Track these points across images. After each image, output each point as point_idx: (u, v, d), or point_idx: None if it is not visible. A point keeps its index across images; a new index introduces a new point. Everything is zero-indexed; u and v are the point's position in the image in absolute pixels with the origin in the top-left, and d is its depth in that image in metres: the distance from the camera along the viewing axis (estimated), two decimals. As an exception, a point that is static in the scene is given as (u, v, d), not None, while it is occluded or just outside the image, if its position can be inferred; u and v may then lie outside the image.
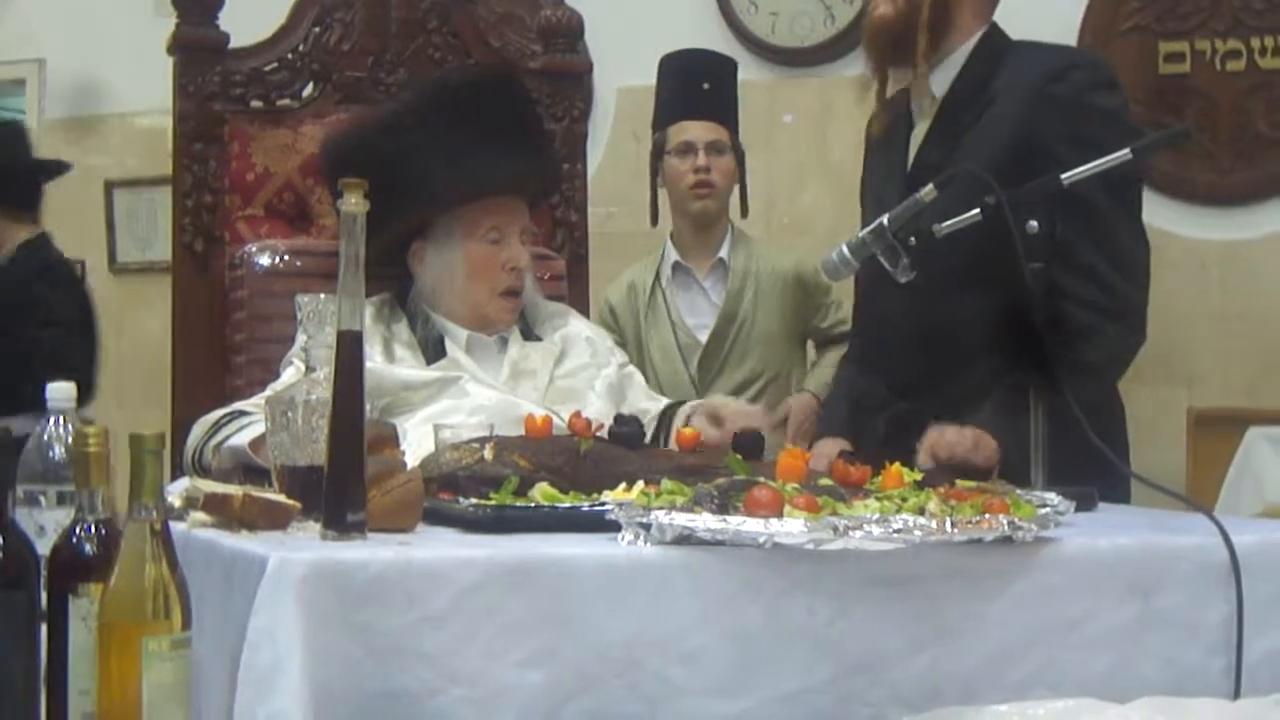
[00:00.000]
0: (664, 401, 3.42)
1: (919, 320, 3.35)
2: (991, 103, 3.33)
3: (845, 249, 3.06)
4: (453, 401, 3.13)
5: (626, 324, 4.70)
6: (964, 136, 3.31)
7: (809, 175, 5.50)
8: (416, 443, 2.81)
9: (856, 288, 3.66)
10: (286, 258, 3.47)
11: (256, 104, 3.61)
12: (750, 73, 5.77)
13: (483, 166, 3.25)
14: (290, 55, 3.64)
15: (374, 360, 3.14)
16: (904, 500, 2.29)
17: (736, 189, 4.72)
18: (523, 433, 2.64)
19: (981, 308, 3.19)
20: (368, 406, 2.21)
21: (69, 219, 7.45)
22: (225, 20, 3.57)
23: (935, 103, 3.39)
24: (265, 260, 3.47)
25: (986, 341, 3.17)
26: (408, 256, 3.31)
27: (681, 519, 2.14)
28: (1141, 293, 3.26)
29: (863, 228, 3.45)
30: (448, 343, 3.27)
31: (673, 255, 4.69)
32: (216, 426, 3.01)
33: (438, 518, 2.36)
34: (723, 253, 4.63)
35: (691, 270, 4.66)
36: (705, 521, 2.13)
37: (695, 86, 4.65)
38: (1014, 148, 3.22)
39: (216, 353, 3.51)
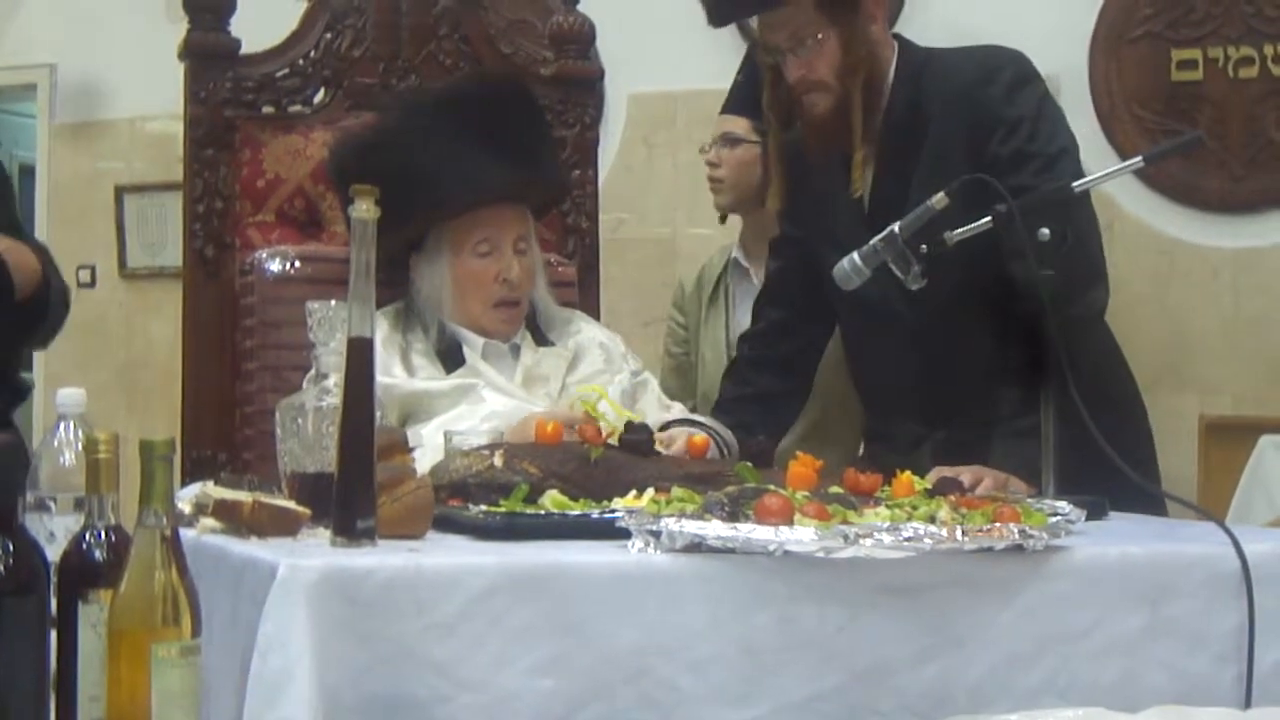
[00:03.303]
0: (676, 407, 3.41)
1: (921, 357, 3.37)
2: (928, 124, 3.35)
3: (857, 257, 3.06)
4: (469, 407, 3.13)
5: (691, 310, 4.61)
6: (915, 166, 3.32)
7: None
8: (432, 445, 2.81)
9: (844, 341, 3.69)
10: (297, 264, 3.46)
11: (268, 110, 3.60)
12: (761, 80, 5.75)
13: (462, 180, 3.22)
14: (301, 61, 3.63)
15: (394, 374, 3.14)
16: (914, 508, 2.29)
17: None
18: (533, 439, 2.64)
19: (982, 332, 3.20)
20: (378, 414, 2.21)
21: (79, 224, 7.48)
22: (236, 26, 3.56)
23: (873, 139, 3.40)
24: (276, 266, 3.46)
25: (994, 365, 3.18)
26: (409, 268, 3.31)
27: (691, 527, 2.14)
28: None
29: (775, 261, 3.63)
30: (466, 350, 3.26)
31: (735, 253, 4.57)
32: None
33: (447, 525, 2.36)
34: None
35: (749, 271, 4.51)
36: (715, 529, 2.13)
37: (735, 82, 4.57)
38: (972, 163, 3.24)
39: (227, 359, 3.50)
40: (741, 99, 4.50)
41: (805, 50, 3.35)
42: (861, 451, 3.85)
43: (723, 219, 4.67)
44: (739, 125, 4.49)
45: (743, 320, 4.42)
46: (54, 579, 2.07)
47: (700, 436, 2.84)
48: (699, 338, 4.56)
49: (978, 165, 3.20)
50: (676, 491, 2.31)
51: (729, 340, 4.48)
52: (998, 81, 3.33)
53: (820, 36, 3.34)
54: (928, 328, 3.35)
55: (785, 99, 3.45)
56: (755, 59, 4.56)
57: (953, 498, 2.39)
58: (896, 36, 3.47)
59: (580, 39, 3.84)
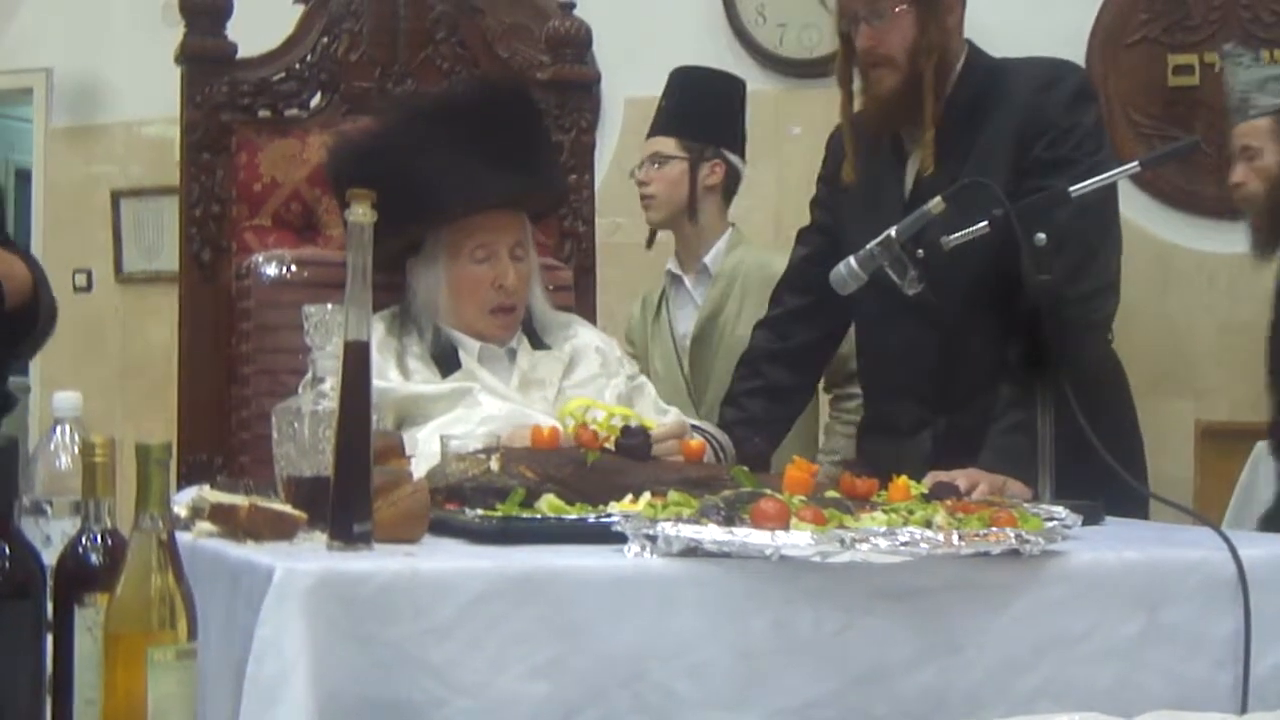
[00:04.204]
0: (672, 411, 3.42)
1: (935, 341, 3.37)
2: (984, 124, 3.35)
3: (853, 261, 3.06)
4: (465, 411, 3.12)
5: (638, 336, 4.76)
6: (965, 160, 3.32)
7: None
8: (428, 452, 2.80)
9: (858, 322, 3.68)
10: (293, 268, 3.46)
11: (264, 114, 3.60)
12: (758, 84, 5.76)
13: (459, 187, 3.21)
14: (298, 65, 3.63)
15: (389, 377, 3.14)
16: (911, 513, 2.29)
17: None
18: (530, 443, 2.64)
19: (997, 323, 3.20)
20: (375, 418, 2.21)
21: (75, 228, 7.48)
22: (233, 30, 3.56)
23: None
24: (272, 270, 3.46)
25: (999, 358, 3.18)
26: (405, 272, 3.31)
27: (688, 531, 2.14)
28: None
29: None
30: (461, 354, 3.26)
31: (670, 264, 4.74)
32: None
33: (444, 529, 2.36)
34: (709, 257, 4.62)
35: (683, 279, 4.69)
36: (711, 533, 2.13)
37: (660, 105, 4.73)
38: (1015, 165, 3.25)
39: (223, 363, 3.50)
40: (667, 121, 4.69)
41: (881, 20, 3.36)
42: (857, 446, 3.85)
43: (650, 241, 4.83)
44: (666, 145, 4.66)
45: (683, 326, 4.66)
46: (50, 583, 2.07)
47: (696, 440, 2.83)
48: (650, 356, 4.69)
49: (1020, 168, 3.22)
50: (673, 495, 2.31)
51: (676, 346, 4.65)
52: (1060, 89, 3.35)
53: (899, 10, 3.34)
54: (949, 312, 3.34)
55: (853, 71, 3.47)
56: (679, 82, 4.66)
57: (949, 502, 2.39)
58: (968, 40, 3.48)
59: (577, 43, 3.84)
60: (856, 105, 3.53)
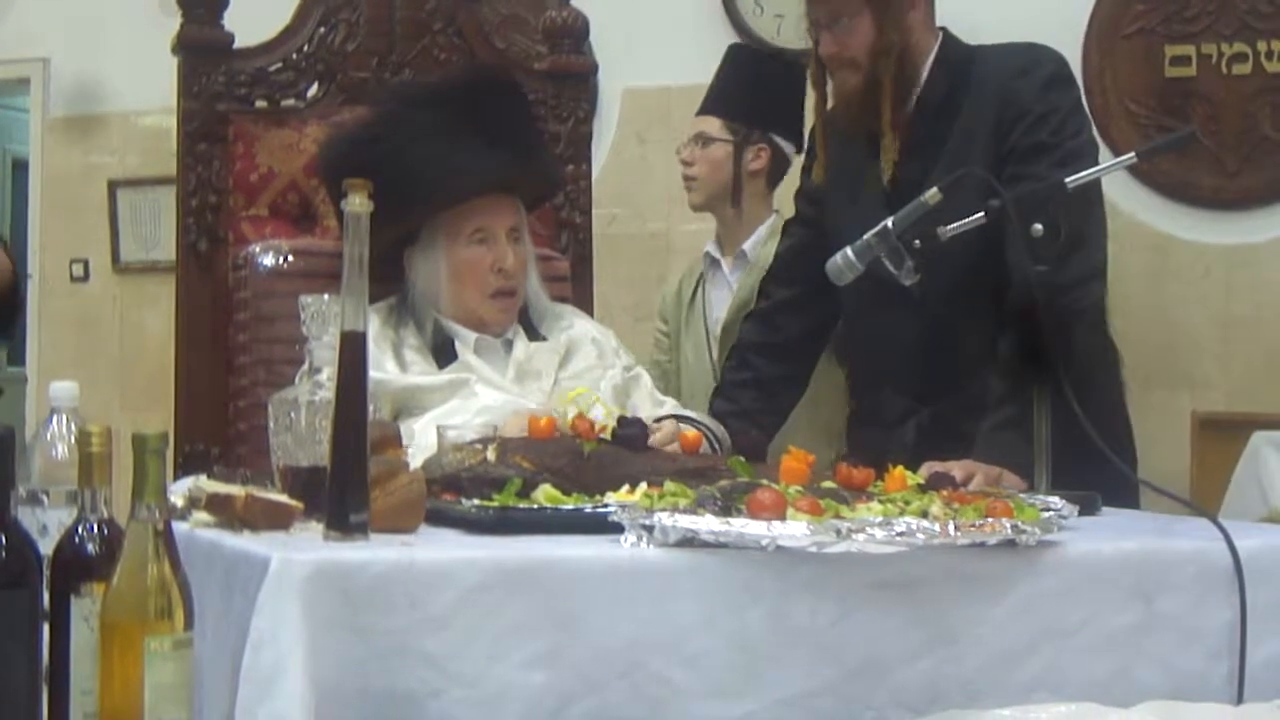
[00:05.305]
0: (669, 403, 3.42)
1: (921, 332, 3.37)
2: (960, 110, 3.36)
3: (850, 252, 3.06)
4: (461, 402, 3.13)
5: (671, 317, 4.72)
6: (941, 149, 3.33)
7: (813, 176, 5.49)
8: (424, 444, 2.80)
9: (844, 313, 3.68)
10: (290, 258, 3.46)
11: (261, 104, 3.61)
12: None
13: (454, 171, 3.22)
14: (295, 55, 3.63)
15: (385, 368, 3.14)
16: (907, 503, 2.29)
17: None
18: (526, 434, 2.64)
19: (983, 314, 3.20)
20: (371, 408, 2.21)
21: (72, 218, 7.48)
22: (230, 20, 3.56)
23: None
24: (269, 261, 3.46)
25: (991, 348, 3.18)
26: (402, 262, 3.31)
27: (684, 521, 2.14)
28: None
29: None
30: (458, 345, 3.26)
31: (710, 247, 4.67)
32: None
33: (440, 519, 2.36)
34: (748, 244, 4.55)
35: (720, 262, 4.62)
36: (708, 524, 2.13)
37: (711, 85, 4.66)
38: (994, 151, 3.26)
39: (220, 353, 3.50)
40: (715, 100, 4.62)
41: (840, 27, 3.39)
42: (845, 439, 3.85)
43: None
44: (711, 125, 4.59)
45: (717, 311, 4.57)
46: (46, 572, 2.06)
47: (692, 432, 2.84)
48: (681, 341, 4.65)
49: (999, 154, 3.22)
50: (669, 486, 2.31)
51: (708, 332, 4.58)
52: (1035, 75, 3.36)
53: (856, 16, 3.36)
54: (935, 302, 3.34)
55: (825, 73, 3.50)
56: (731, 61, 4.64)
57: (945, 493, 2.39)
58: (943, 29, 3.49)
59: (574, 33, 3.84)
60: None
